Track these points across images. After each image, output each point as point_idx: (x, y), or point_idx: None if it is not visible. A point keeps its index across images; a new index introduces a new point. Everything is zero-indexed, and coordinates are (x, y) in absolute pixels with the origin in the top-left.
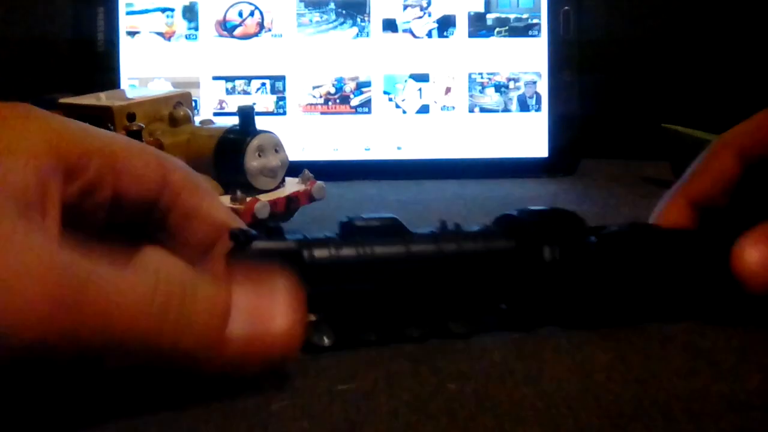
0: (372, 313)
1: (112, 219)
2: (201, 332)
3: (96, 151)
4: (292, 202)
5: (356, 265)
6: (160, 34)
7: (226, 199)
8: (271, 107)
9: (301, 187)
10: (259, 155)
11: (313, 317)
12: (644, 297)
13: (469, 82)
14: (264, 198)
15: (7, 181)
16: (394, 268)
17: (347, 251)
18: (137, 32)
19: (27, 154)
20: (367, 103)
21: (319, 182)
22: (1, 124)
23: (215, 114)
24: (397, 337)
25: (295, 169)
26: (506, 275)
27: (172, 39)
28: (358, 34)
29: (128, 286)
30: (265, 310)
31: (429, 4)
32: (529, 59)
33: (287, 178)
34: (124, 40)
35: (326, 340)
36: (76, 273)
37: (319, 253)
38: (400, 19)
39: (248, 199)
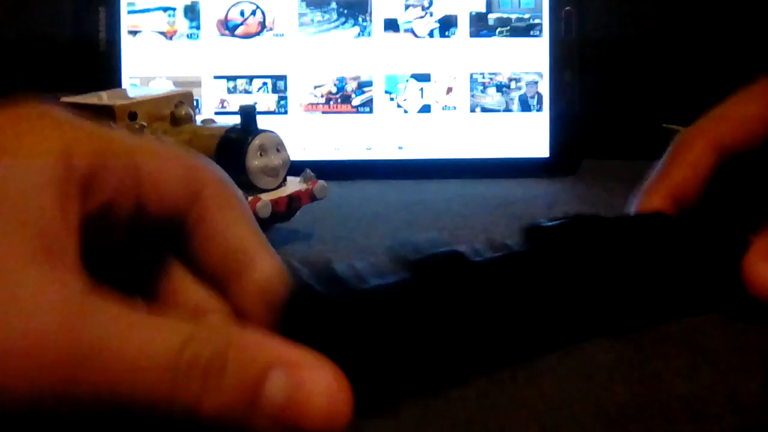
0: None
1: (134, 234)
2: (232, 390)
3: (117, 164)
4: (293, 202)
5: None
6: (161, 33)
7: None
8: (273, 106)
9: (303, 187)
10: (261, 154)
11: None
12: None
13: (471, 81)
14: (265, 197)
15: (20, 207)
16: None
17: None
18: (139, 31)
19: (44, 173)
20: (368, 103)
21: (320, 182)
22: (13, 133)
23: (216, 113)
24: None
25: (296, 168)
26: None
27: (173, 38)
28: (359, 34)
29: (151, 345)
30: (310, 373)
31: (430, 4)
32: (531, 59)
33: (289, 178)
34: (125, 40)
35: None
36: (94, 327)
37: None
38: (402, 18)
39: (250, 198)
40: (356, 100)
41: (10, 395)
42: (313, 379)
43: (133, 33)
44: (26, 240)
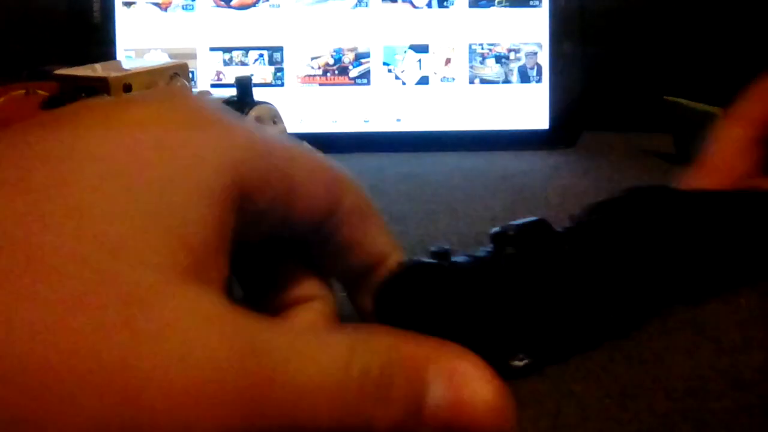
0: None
1: (268, 240)
2: (400, 403)
3: (276, 177)
4: None
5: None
6: (156, 4)
7: None
8: (269, 78)
9: None
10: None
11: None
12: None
13: (470, 53)
14: None
15: (174, 216)
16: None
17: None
18: (133, 3)
19: (207, 184)
20: (366, 75)
21: None
22: (175, 129)
23: (212, 85)
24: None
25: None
26: None
27: (168, 9)
28: (357, 4)
29: (322, 357)
30: (465, 372)
31: None
32: (530, 30)
33: None
34: (120, 11)
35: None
36: (265, 354)
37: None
38: None
39: None
40: (354, 72)
41: None
42: (473, 384)
43: (128, 4)
44: (177, 255)
